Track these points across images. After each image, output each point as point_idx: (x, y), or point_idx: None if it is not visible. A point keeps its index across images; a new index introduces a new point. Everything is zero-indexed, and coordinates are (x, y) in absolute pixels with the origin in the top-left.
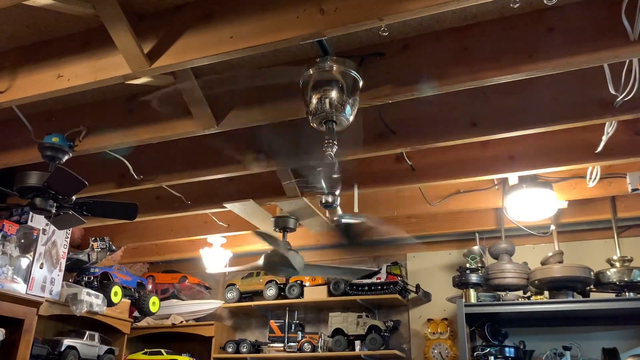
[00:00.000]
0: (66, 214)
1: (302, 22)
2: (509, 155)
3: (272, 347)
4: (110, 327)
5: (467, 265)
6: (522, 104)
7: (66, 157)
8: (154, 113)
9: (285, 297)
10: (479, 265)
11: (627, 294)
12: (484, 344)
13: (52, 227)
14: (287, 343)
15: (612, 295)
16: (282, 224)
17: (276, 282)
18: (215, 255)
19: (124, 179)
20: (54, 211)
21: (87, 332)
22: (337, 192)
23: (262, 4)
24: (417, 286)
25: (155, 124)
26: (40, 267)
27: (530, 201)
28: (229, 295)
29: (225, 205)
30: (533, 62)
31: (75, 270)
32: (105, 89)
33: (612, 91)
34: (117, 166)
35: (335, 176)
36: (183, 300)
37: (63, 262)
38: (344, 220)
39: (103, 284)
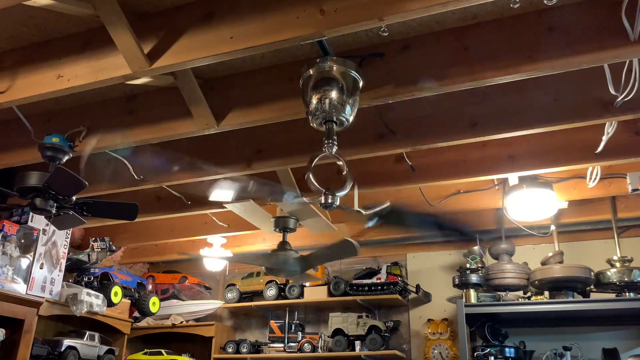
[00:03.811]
0: (66, 214)
1: (302, 22)
2: (509, 155)
3: (272, 347)
4: (111, 328)
5: (467, 265)
6: (522, 104)
7: (66, 158)
8: (154, 113)
9: (286, 298)
10: (479, 265)
11: (627, 294)
12: (484, 344)
13: (52, 228)
14: (287, 343)
15: (612, 296)
16: (282, 224)
17: (276, 282)
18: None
19: (124, 179)
20: (54, 211)
21: (87, 333)
22: (339, 193)
23: (262, 4)
24: (417, 286)
25: (155, 124)
26: (41, 268)
27: (531, 201)
28: (229, 295)
29: (225, 205)
30: (533, 62)
31: (76, 271)
32: (105, 89)
33: (612, 91)
34: (117, 166)
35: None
36: (183, 300)
37: (63, 262)
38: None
39: (103, 284)
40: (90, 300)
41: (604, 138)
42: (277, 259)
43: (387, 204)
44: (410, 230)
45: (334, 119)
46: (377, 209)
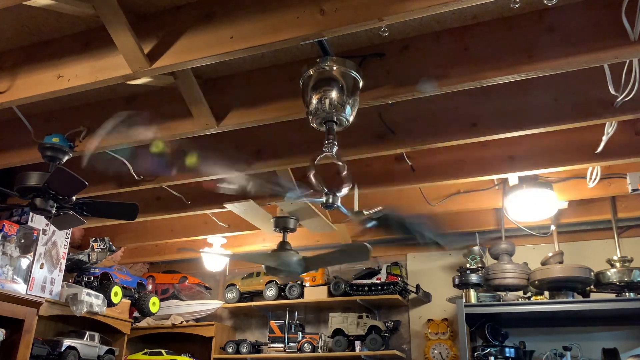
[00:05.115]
0: (66, 215)
1: (302, 22)
2: (509, 155)
3: (272, 347)
4: (111, 328)
5: (467, 265)
6: (522, 104)
7: (66, 158)
8: (154, 113)
9: (286, 298)
10: (479, 265)
11: (627, 294)
12: (484, 344)
13: (52, 228)
14: (287, 343)
15: (612, 296)
16: (282, 224)
17: (276, 282)
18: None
19: (124, 179)
20: (54, 211)
21: (87, 333)
22: (340, 193)
23: (262, 4)
24: (417, 286)
25: (155, 124)
26: (41, 268)
27: (531, 201)
28: (229, 295)
29: (225, 205)
30: (533, 62)
31: (76, 271)
32: (105, 89)
33: (612, 91)
34: (117, 166)
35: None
36: (183, 300)
37: (63, 262)
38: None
39: (103, 284)
40: (90, 300)
41: (604, 138)
42: (276, 259)
43: (380, 208)
44: (405, 234)
45: (334, 119)
46: (374, 211)
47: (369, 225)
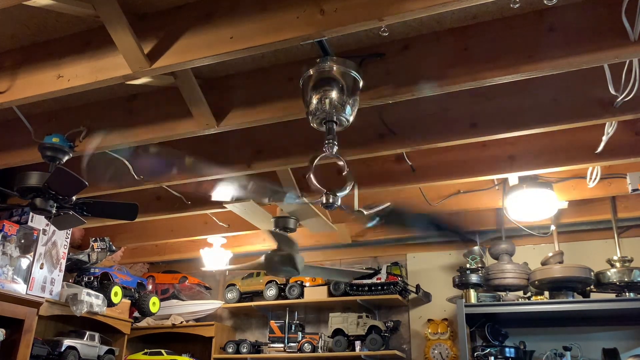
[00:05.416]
0: (66, 214)
1: (302, 22)
2: (509, 155)
3: (273, 347)
4: (111, 328)
5: (468, 265)
6: (522, 104)
7: (66, 158)
8: (154, 113)
9: (286, 298)
10: (479, 265)
11: (627, 294)
12: (484, 344)
13: (52, 228)
14: (287, 343)
15: (612, 296)
16: (282, 224)
17: (276, 282)
18: (216, 255)
19: (124, 179)
20: (54, 211)
21: (88, 333)
22: (340, 193)
23: (262, 4)
24: (417, 286)
25: (155, 124)
26: (41, 268)
27: (531, 201)
28: (229, 295)
29: (225, 205)
30: (533, 62)
31: (76, 271)
32: (105, 89)
33: (612, 91)
34: (117, 166)
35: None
36: (183, 300)
37: (63, 262)
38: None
39: (103, 284)
40: (90, 300)
41: (604, 138)
42: (276, 260)
43: (388, 204)
44: (410, 230)
45: (334, 119)
46: (378, 209)
47: (372, 224)
